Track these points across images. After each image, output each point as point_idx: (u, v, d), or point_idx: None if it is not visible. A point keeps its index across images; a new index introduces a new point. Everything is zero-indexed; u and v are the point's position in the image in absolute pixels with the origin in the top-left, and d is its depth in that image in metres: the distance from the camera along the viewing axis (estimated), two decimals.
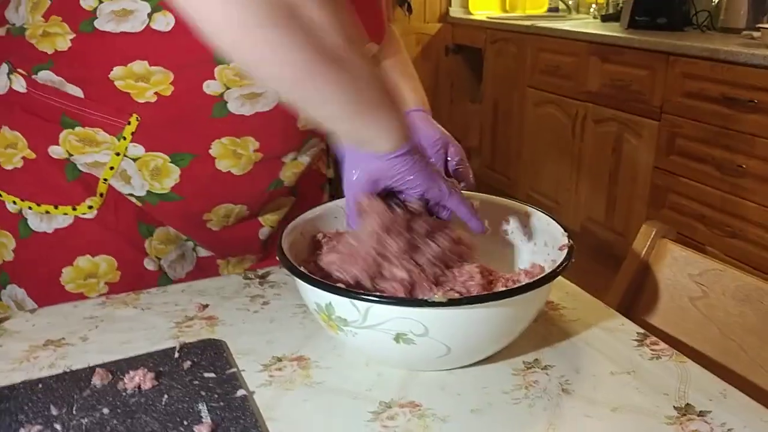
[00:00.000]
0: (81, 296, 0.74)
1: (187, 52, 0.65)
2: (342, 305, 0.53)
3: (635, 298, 0.77)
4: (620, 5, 2.85)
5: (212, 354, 0.61)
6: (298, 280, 0.56)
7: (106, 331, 0.65)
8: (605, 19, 2.92)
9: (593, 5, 3.22)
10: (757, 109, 1.89)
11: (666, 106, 2.21)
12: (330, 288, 0.53)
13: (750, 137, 1.93)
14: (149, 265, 0.76)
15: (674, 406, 0.54)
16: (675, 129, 2.19)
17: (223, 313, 0.69)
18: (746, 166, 1.96)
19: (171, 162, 0.70)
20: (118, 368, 0.58)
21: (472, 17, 3.52)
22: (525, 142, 3.02)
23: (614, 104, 2.44)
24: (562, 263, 0.58)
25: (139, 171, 0.70)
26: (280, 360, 0.60)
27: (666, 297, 0.74)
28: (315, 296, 0.56)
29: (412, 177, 0.57)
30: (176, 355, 0.60)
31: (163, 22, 0.64)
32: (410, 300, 0.54)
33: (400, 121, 0.56)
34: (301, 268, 0.56)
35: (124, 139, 0.69)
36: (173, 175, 0.71)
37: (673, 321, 0.73)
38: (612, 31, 2.53)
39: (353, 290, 0.54)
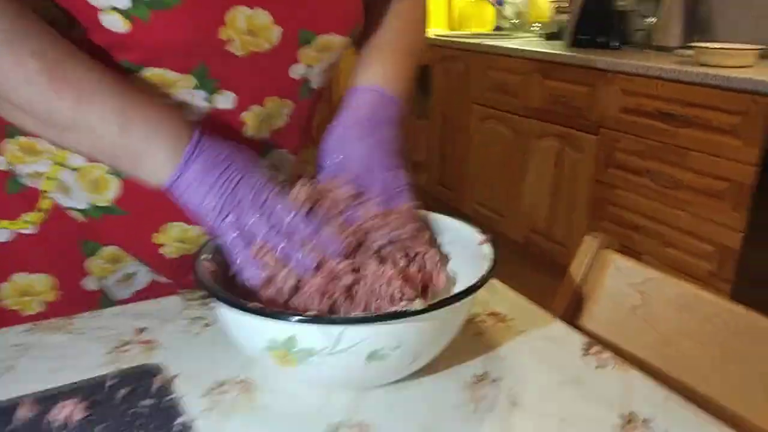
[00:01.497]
0: (15, 314, 0.70)
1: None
2: (308, 335, 0.49)
3: (579, 307, 0.78)
4: (563, 24, 2.94)
5: (149, 380, 0.58)
6: (241, 318, 0.51)
7: (34, 359, 0.61)
8: (549, 37, 3.01)
9: (537, 24, 3.32)
10: (691, 124, 1.98)
11: (604, 121, 2.29)
12: (297, 318, 0.48)
13: (684, 150, 2.02)
14: (89, 285, 0.72)
15: (619, 415, 0.55)
16: (613, 143, 2.27)
17: (162, 336, 0.66)
18: (681, 178, 2.04)
19: (109, 173, 0.67)
20: (45, 399, 0.54)
21: None
22: (471, 157, 3.07)
23: (556, 120, 2.51)
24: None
25: (78, 182, 0.67)
26: (222, 384, 0.58)
27: (609, 306, 0.75)
28: (270, 332, 0.50)
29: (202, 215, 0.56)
30: (110, 382, 0.57)
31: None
32: (388, 314, 0.49)
33: (162, 141, 0.56)
34: (251, 304, 0.50)
35: (64, 148, 0.66)
36: (113, 187, 0.67)
37: (616, 329, 0.74)
38: (555, 49, 2.60)
39: (326, 316, 0.51)
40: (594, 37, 2.60)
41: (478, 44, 2.93)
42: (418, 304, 0.49)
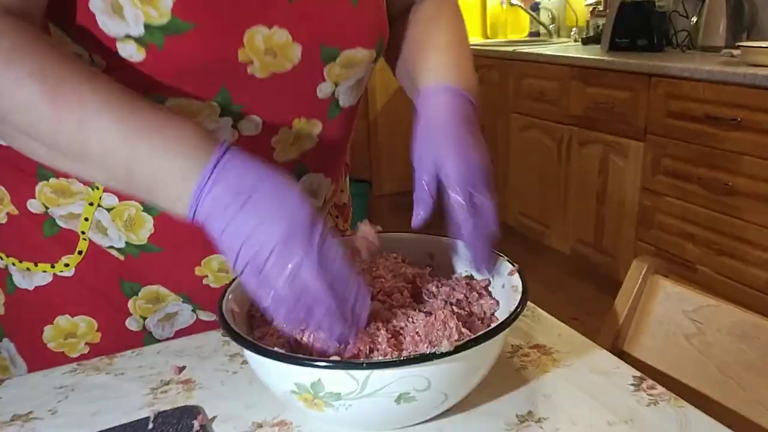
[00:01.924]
0: (62, 355, 0.71)
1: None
2: (334, 379, 0.48)
3: (628, 337, 0.74)
4: (600, 28, 2.87)
5: (189, 422, 0.57)
6: (267, 361, 0.49)
7: (76, 402, 0.62)
8: (586, 42, 2.95)
9: (574, 29, 3.26)
10: (741, 127, 1.90)
11: (650, 126, 2.22)
12: (322, 364, 0.47)
13: (735, 155, 1.93)
14: (132, 325, 0.73)
15: None
16: (660, 149, 2.19)
17: (201, 375, 0.65)
18: (732, 183, 1.96)
19: (144, 211, 0.67)
20: None
21: None
22: (512, 167, 3.02)
23: (598, 126, 2.45)
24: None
25: (114, 222, 0.67)
26: (260, 426, 0.57)
27: (660, 335, 0.72)
28: (295, 377, 0.49)
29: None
30: (150, 426, 0.57)
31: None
32: (417, 357, 0.48)
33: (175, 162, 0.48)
34: (275, 348, 0.50)
35: (97, 188, 0.66)
36: (147, 225, 0.67)
37: (669, 360, 0.70)
38: (593, 53, 2.54)
39: (351, 360, 0.50)
40: (633, 40, 2.52)
41: (514, 52, 2.89)
42: (445, 346, 0.48)
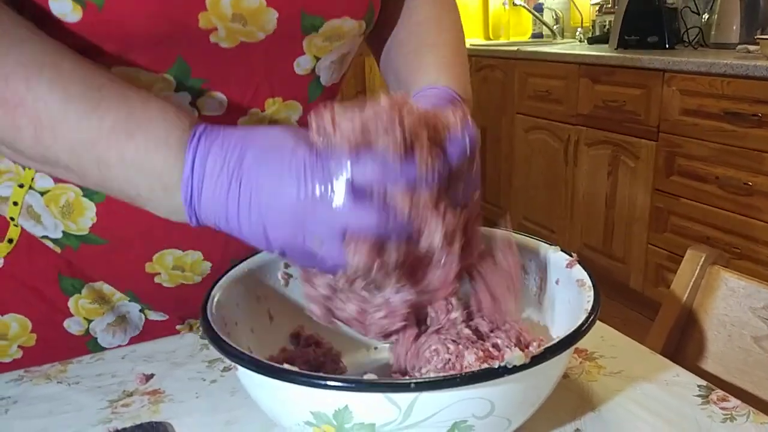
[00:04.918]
0: None
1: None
2: (368, 405, 0.36)
3: (683, 339, 0.63)
4: (607, 27, 2.78)
5: None
6: (269, 384, 0.38)
7: (16, 418, 0.50)
8: (592, 42, 2.85)
9: (579, 29, 3.17)
10: (762, 124, 1.80)
11: (663, 125, 2.12)
12: (358, 385, 0.35)
13: (756, 153, 1.83)
14: (72, 327, 0.61)
15: None
16: (674, 148, 2.09)
17: (172, 385, 0.54)
18: (753, 183, 1.85)
19: (84, 196, 0.55)
20: None
21: None
22: (516, 169, 2.92)
23: (608, 126, 2.35)
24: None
25: (48, 208, 0.56)
26: None
27: (723, 337, 0.60)
28: (313, 402, 0.37)
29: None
30: None
31: None
32: (479, 373, 0.36)
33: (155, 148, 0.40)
34: (286, 366, 0.38)
35: (29, 167, 0.55)
36: (88, 213, 0.56)
37: (734, 367, 0.59)
38: (601, 52, 2.45)
39: (391, 380, 0.37)
40: (643, 38, 2.43)
41: (518, 51, 2.79)
42: (519, 358, 0.36)
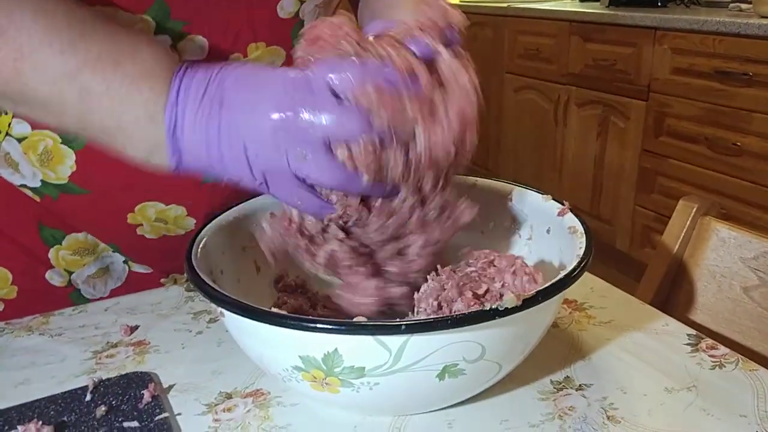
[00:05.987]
0: None
1: None
2: (361, 349, 0.36)
3: (673, 290, 0.63)
4: None
5: (137, 394, 0.45)
6: (256, 327, 0.37)
7: None
8: None
9: None
10: (753, 83, 1.78)
11: (654, 84, 2.10)
12: (348, 327, 0.34)
13: (746, 113, 1.82)
14: (54, 279, 0.60)
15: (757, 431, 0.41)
16: (664, 108, 2.08)
17: (157, 336, 0.53)
18: (742, 143, 1.85)
19: (63, 143, 0.53)
20: (5, 421, 0.42)
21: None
22: (504, 130, 2.90)
23: (598, 86, 2.33)
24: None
25: (26, 155, 0.54)
26: (229, 397, 0.45)
27: (713, 288, 0.60)
28: (301, 346, 0.37)
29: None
30: (88, 397, 0.45)
31: None
32: (473, 314, 0.35)
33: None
34: (272, 309, 0.37)
35: (6, 113, 0.53)
36: (67, 161, 0.54)
37: (723, 317, 0.59)
38: (593, 9, 2.41)
39: (382, 322, 0.35)
40: None
41: (509, 7, 2.74)
42: (510, 300, 0.35)
